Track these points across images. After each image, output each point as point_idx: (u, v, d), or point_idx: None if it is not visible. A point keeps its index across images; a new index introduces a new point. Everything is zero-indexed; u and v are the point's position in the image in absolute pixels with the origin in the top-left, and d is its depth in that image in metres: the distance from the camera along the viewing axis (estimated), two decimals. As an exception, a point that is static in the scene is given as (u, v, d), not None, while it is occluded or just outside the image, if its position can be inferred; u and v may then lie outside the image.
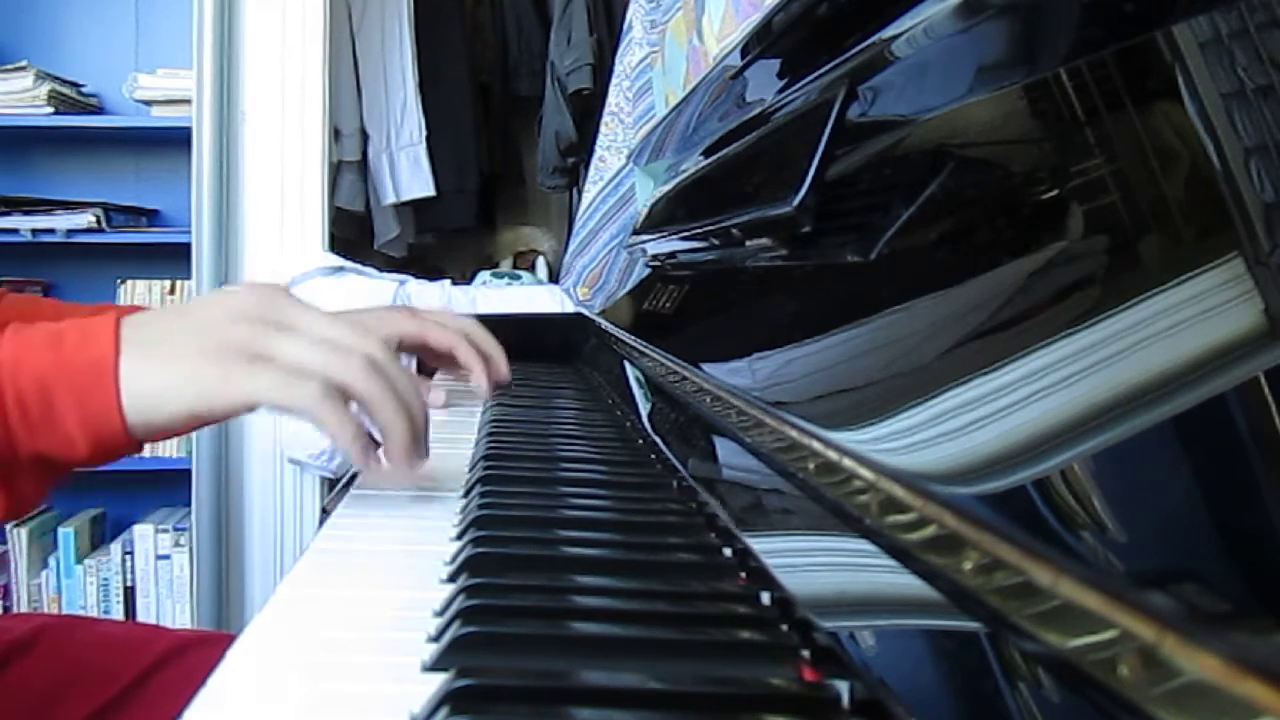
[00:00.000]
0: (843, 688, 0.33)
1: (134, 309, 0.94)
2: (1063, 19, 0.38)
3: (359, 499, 0.61)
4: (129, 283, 2.52)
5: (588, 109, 2.54)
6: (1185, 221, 0.28)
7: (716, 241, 0.75)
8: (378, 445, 0.56)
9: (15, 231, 2.39)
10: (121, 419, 0.51)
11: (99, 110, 2.57)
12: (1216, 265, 0.25)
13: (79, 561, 2.34)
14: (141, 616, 2.32)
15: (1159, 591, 0.22)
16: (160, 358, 0.52)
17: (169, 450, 2.34)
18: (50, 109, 2.38)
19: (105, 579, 2.34)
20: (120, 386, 0.51)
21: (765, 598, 0.41)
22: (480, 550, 0.46)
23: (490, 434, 0.75)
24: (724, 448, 0.56)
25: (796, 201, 0.53)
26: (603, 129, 1.64)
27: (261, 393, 0.52)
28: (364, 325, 0.57)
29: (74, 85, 2.51)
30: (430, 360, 0.97)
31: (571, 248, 1.74)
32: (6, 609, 2.34)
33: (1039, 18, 0.39)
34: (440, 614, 0.40)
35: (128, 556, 2.34)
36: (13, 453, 0.51)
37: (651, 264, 1.03)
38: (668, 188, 1.05)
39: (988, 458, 0.30)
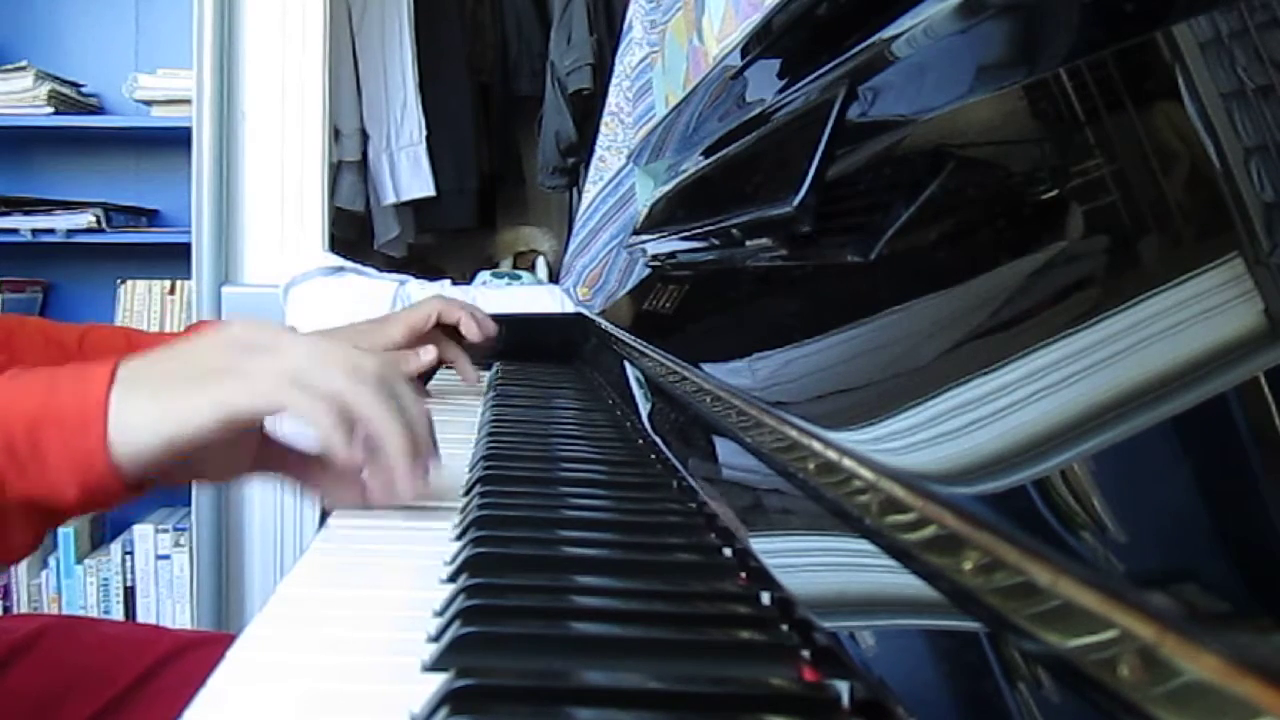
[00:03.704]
0: (843, 688, 0.33)
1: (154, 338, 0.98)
2: (1063, 19, 0.38)
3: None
4: (129, 283, 2.52)
5: (588, 109, 2.54)
6: (1185, 221, 0.28)
7: (716, 241, 0.75)
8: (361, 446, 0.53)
9: (15, 231, 2.39)
10: (107, 457, 0.50)
11: (99, 110, 2.57)
12: (1216, 265, 0.25)
13: (79, 561, 2.34)
14: (141, 616, 2.32)
15: (1159, 591, 0.22)
16: (145, 391, 0.51)
17: (169, 450, 2.34)
18: (50, 109, 2.38)
19: (105, 579, 2.34)
20: (108, 425, 0.50)
21: (765, 598, 0.41)
22: (480, 550, 0.46)
23: (490, 434, 0.75)
24: (724, 448, 0.56)
25: (796, 201, 0.53)
26: (603, 129, 1.64)
27: (226, 398, 0.50)
28: (357, 345, 0.55)
29: (74, 85, 2.50)
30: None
31: (571, 248, 1.74)
32: (6, 609, 2.34)
33: (1039, 18, 0.39)
34: (440, 614, 0.40)
35: (128, 556, 2.34)
36: (1, 497, 0.50)
37: (651, 264, 1.03)
38: (668, 188, 1.05)
39: (988, 458, 0.30)
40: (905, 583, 0.32)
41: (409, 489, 0.53)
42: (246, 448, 0.56)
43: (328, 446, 0.51)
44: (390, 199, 2.58)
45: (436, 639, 0.38)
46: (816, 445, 0.41)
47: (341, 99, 2.41)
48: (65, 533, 2.33)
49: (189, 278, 2.03)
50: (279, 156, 2.00)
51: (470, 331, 1.02)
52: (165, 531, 2.34)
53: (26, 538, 0.54)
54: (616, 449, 0.73)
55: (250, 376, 0.51)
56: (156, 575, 2.34)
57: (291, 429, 0.53)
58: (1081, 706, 0.23)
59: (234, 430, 0.51)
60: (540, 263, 3.01)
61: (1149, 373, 0.26)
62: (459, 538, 0.51)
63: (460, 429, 0.84)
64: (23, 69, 2.39)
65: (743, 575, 0.45)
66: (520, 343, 1.27)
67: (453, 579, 0.45)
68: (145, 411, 0.50)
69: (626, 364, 0.94)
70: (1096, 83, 0.33)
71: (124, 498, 0.53)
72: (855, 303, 0.47)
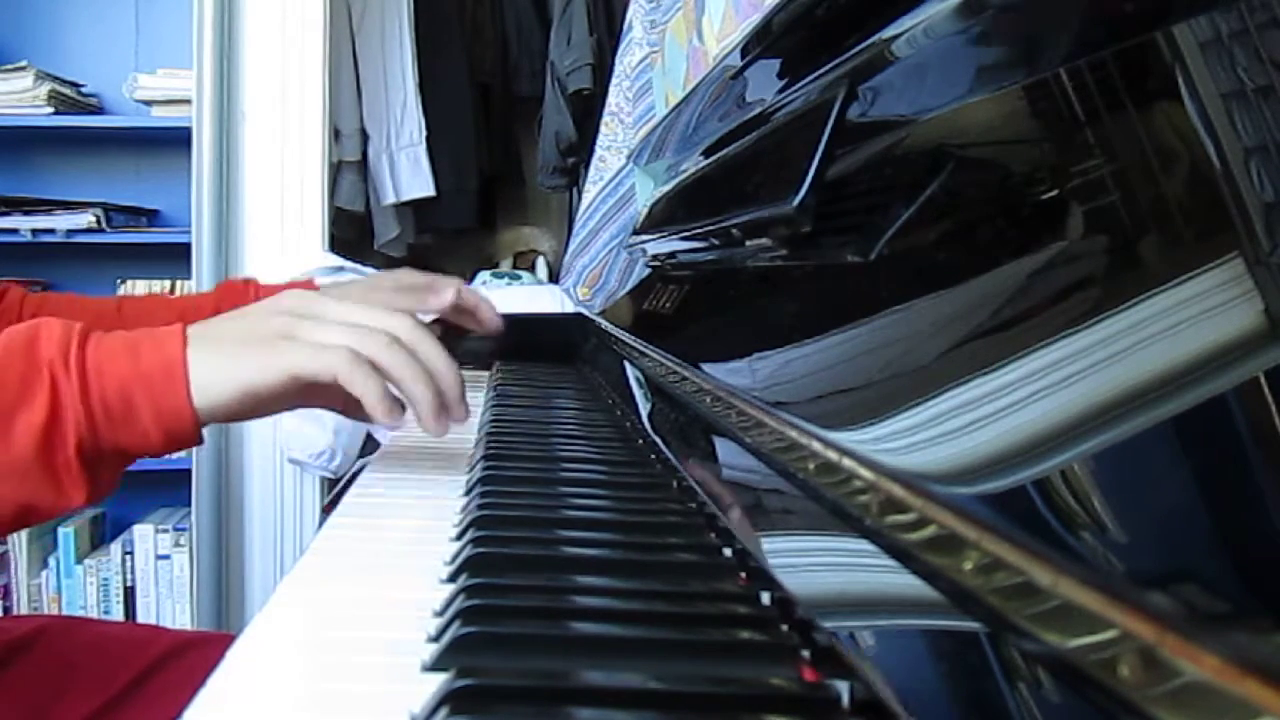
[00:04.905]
0: (843, 688, 0.33)
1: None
2: (1063, 19, 0.38)
3: (359, 499, 0.61)
4: (129, 283, 2.52)
5: (588, 109, 2.54)
6: (1185, 221, 0.28)
7: (716, 241, 0.75)
8: (403, 409, 0.61)
9: (15, 231, 2.39)
10: (191, 410, 0.59)
11: (99, 110, 2.57)
12: (1216, 265, 0.25)
13: (79, 561, 2.34)
14: (141, 616, 2.32)
15: (1159, 591, 0.22)
16: (216, 349, 0.60)
17: (169, 450, 2.34)
18: (50, 109, 2.38)
19: (105, 579, 2.34)
20: (189, 382, 0.58)
21: (765, 598, 0.41)
22: (480, 550, 0.46)
23: (490, 434, 0.75)
24: (724, 448, 0.56)
25: (796, 201, 0.53)
26: (603, 129, 1.64)
27: (295, 363, 0.58)
28: (390, 306, 0.65)
29: (74, 85, 2.50)
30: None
31: (571, 248, 1.74)
32: (6, 609, 2.34)
33: (1039, 18, 0.39)
34: (440, 614, 0.40)
35: (128, 556, 2.34)
36: (97, 449, 0.58)
37: (651, 264, 1.03)
38: (668, 188, 1.06)
39: (988, 458, 0.30)
40: (905, 583, 0.32)
41: (437, 433, 0.62)
42: (298, 393, 0.63)
43: (375, 413, 0.59)
44: (390, 199, 2.58)
45: (436, 639, 0.38)
46: (816, 445, 0.41)
47: (341, 99, 2.41)
48: (65, 533, 2.33)
49: (189, 278, 2.03)
50: (279, 156, 2.00)
51: (493, 326, 0.97)
52: (165, 531, 2.34)
53: (114, 478, 0.61)
54: (616, 449, 0.73)
55: (310, 345, 0.59)
56: (156, 575, 2.34)
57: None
58: (1081, 706, 0.23)
59: (297, 388, 0.59)
60: (540, 263, 3.02)
61: (1149, 373, 0.26)
62: (459, 538, 0.51)
63: (460, 428, 0.84)
64: (23, 69, 2.39)
65: (743, 575, 0.45)
66: (520, 343, 1.27)
67: (453, 579, 0.45)
68: (221, 369, 0.59)
69: (626, 364, 0.94)
70: (1096, 83, 0.33)
71: (197, 441, 0.61)
72: (855, 303, 0.47)
